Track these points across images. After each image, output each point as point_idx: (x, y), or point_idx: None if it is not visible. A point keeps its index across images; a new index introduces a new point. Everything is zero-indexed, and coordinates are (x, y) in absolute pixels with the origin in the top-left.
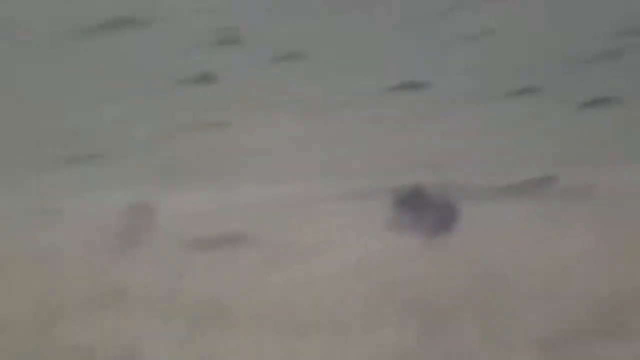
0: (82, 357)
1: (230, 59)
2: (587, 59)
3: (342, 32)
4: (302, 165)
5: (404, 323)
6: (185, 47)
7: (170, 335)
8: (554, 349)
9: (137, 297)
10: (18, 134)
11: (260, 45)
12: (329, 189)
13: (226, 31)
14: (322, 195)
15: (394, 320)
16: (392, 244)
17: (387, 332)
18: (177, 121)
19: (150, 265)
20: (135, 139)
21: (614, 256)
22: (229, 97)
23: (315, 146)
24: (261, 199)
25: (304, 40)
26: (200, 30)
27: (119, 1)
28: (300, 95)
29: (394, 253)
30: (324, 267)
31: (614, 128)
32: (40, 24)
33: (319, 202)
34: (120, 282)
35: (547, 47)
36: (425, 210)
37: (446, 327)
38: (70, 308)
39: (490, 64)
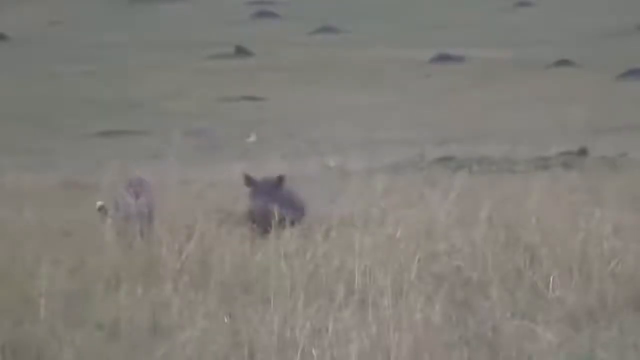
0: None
1: (266, 32)
2: (619, 32)
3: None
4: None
5: (432, 297)
6: (219, 20)
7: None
8: (582, 324)
9: (168, 270)
10: (54, 104)
11: (296, 18)
12: (367, 162)
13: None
14: (360, 169)
15: (424, 293)
16: (430, 215)
17: (417, 306)
18: (212, 96)
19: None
20: (169, 114)
21: None
22: (265, 70)
23: (354, 118)
24: (297, 173)
25: (338, 14)
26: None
27: None
28: (335, 67)
29: (432, 223)
30: (361, 239)
31: None
32: None
33: (360, 174)
34: (152, 256)
35: (583, 20)
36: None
37: (474, 301)
38: (99, 283)
39: (526, 37)
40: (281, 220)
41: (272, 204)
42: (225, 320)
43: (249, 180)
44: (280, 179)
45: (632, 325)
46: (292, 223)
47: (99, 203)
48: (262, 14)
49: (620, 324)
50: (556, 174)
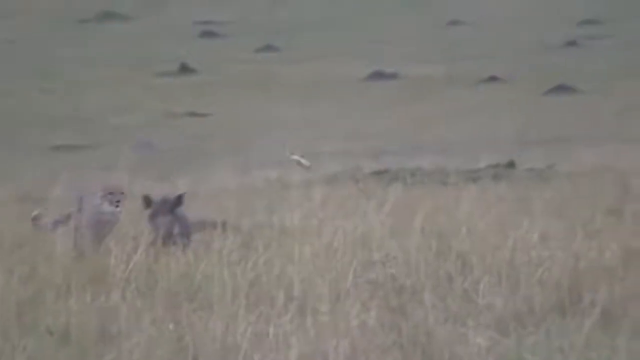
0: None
1: (210, 51)
2: (550, 48)
3: (313, 22)
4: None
5: (368, 303)
6: (166, 40)
7: (148, 315)
8: (510, 328)
9: (116, 279)
10: (8, 119)
11: (239, 37)
12: (305, 174)
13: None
14: (299, 181)
15: (359, 299)
16: (366, 225)
17: (353, 312)
18: (159, 111)
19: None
20: (117, 129)
21: (571, 234)
22: (209, 87)
23: (296, 130)
24: (242, 185)
25: (280, 33)
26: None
27: None
28: (277, 84)
29: (368, 233)
30: (300, 248)
31: (572, 114)
32: (36, 13)
33: (299, 186)
34: (101, 265)
35: (512, 37)
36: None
37: (408, 307)
38: (50, 291)
39: (458, 54)
40: (175, 239)
41: (170, 224)
42: (170, 326)
43: (148, 202)
44: (179, 198)
45: (558, 330)
46: (184, 243)
47: (34, 212)
48: (206, 33)
49: (546, 329)
50: (486, 185)
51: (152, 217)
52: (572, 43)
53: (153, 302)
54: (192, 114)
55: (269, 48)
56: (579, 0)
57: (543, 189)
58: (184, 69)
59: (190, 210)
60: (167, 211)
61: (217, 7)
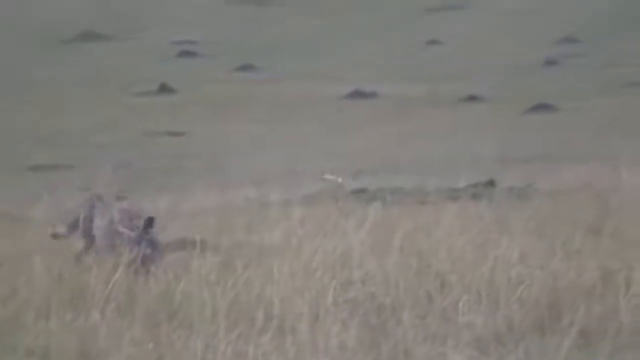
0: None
1: (189, 70)
2: (527, 67)
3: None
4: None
5: (348, 322)
6: (146, 59)
7: (127, 334)
8: (490, 347)
9: (96, 298)
10: None
11: (218, 56)
12: (285, 193)
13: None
14: (278, 200)
15: (339, 318)
16: (346, 244)
17: (333, 331)
18: (139, 131)
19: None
20: (97, 148)
21: (550, 253)
22: (187, 106)
23: (273, 151)
24: (221, 204)
25: (258, 53)
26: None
27: (83, 16)
28: (255, 103)
29: (348, 252)
30: (280, 268)
31: (551, 132)
32: (17, 32)
33: (278, 205)
34: (80, 284)
35: (491, 56)
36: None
37: (388, 326)
38: (29, 311)
39: (437, 74)
40: (147, 261)
41: (145, 246)
42: (150, 346)
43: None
44: (150, 221)
45: (537, 349)
46: (155, 264)
47: (50, 231)
48: (185, 53)
49: (525, 347)
50: (465, 204)
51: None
52: (551, 62)
53: (133, 321)
54: (172, 133)
55: (248, 67)
56: (557, 19)
57: (522, 208)
58: (164, 88)
59: (170, 229)
60: (138, 233)
61: (196, 26)
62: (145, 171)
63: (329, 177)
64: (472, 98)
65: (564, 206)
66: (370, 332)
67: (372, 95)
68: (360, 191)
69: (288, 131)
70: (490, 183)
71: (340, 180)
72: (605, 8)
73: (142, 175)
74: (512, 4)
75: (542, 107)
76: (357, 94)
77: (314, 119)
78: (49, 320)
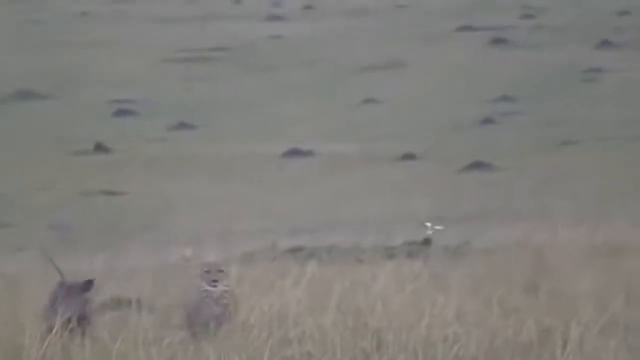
0: None
1: (125, 129)
2: (464, 125)
3: (230, 101)
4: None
5: None
6: (82, 118)
7: None
8: None
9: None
10: None
11: (155, 115)
12: (222, 252)
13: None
14: (216, 258)
15: None
16: (282, 302)
17: None
18: (75, 190)
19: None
20: (32, 208)
21: (487, 311)
22: (124, 165)
23: (210, 210)
24: (157, 263)
25: (195, 111)
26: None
27: (18, 74)
28: (192, 162)
29: (284, 310)
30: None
31: (488, 190)
32: None
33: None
34: (15, 345)
35: (427, 114)
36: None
37: None
38: None
39: (373, 132)
40: (83, 321)
41: (81, 310)
42: None
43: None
44: (89, 283)
45: None
46: (88, 324)
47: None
48: (121, 112)
49: None
50: (401, 262)
51: (52, 303)
52: (488, 120)
53: None
54: (108, 193)
55: (183, 126)
56: (494, 78)
57: (459, 266)
58: (99, 147)
59: (106, 288)
60: (74, 296)
61: (133, 85)
62: (81, 230)
63: (429, 225)
64: (408, 156)
65: (501, 264)
66: None
67: (309, 153)
68: (297, 249)
69: (225, 189)
70: (427, 241)
71: (441, 228)
72: (542, 67)
73: (79, 235)
74: (449, 62)
75: (478, 165)
76: (294, 152)
77: (251, 177)
78: None
